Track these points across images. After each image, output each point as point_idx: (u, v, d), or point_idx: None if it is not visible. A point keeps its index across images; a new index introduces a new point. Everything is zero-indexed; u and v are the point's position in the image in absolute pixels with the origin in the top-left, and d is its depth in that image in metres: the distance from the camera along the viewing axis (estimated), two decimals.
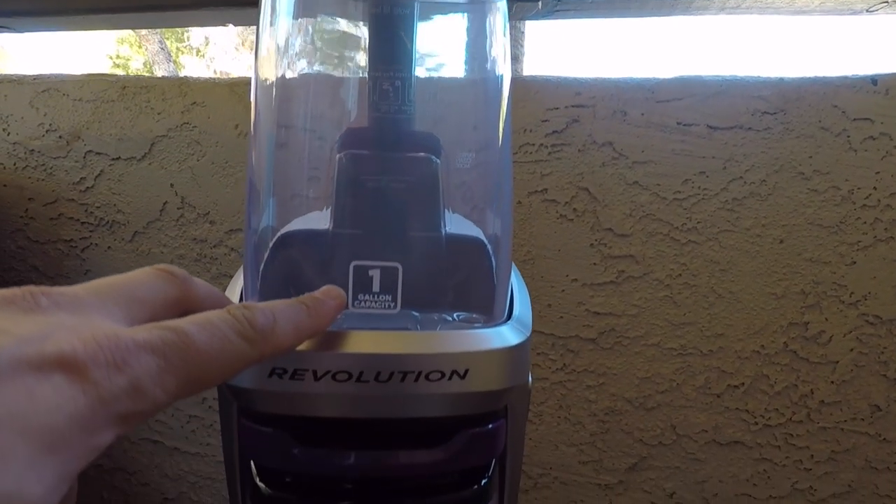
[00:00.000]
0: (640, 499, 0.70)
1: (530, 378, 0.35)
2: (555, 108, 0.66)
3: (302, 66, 0.35)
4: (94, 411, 0.14)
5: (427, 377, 0.24)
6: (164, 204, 0.77)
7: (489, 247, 0.32)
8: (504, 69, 0.33)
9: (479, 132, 0.35)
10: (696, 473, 0.68)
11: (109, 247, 0.79)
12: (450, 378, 0.24)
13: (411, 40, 0.34)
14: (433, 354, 0.24)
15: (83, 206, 0.79)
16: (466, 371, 0.24)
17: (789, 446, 0.66)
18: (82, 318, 0.16)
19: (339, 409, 0.24)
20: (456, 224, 0.33)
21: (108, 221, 0.79)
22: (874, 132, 0.61)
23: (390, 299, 0.26)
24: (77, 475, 0.15)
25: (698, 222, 0.65)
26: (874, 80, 0.62)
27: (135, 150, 0.77)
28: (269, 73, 0.33)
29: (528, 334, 0.29)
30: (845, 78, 0.62)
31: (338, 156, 0.33)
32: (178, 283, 0.20)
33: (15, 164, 0.80)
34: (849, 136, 0.61)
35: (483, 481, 0.29)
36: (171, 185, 0.76)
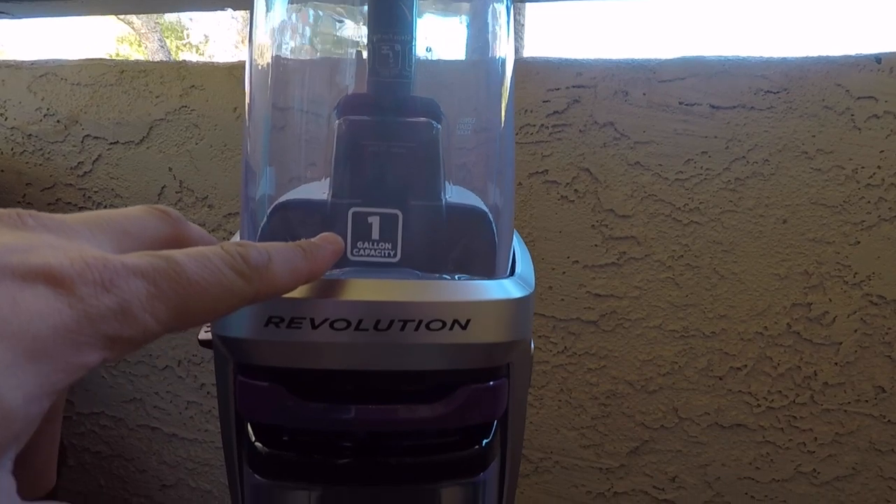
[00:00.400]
0: (641, 483, 0.69)
1: (532, 345, 0.35)
2: (556, 89, 0.66)
3: (298, 40, 0.35)
4: (80, 326, 0.13)
5: (428, 326, 0.23)
6: (163, 188, 0.76)
7: (490, 215, 0.32)
8: (507, 48, 0.33)
9: (481, 102, 0.35)
10: (699, 457, 0.67)
11: None
12: (451, 328, 0.23)
13: (410, 5, 0.33)
14: (434, 303, 0.23)
15: (81, 190, 0.79)
16: (468, 321, 0.24)
17: (792, 429, 0.65)
18: (70, 242, 0.15)
19: (337, 359, 0.23)
20: (457, 195, 0.33)
21: (106, 206, 0.78)
22: (878, 111, 0.60)
23: (390, 247, 0.25)
24: (61, 394, 0.14)
25: (700, 203, 0.64)
26: (878, 59, 0.61)
27: (133, 134, 0.76)
28: (266, 42, 0.33)
29: (531, 291, 0.29)
30: (849, 57, 0.62)
31: (336, 121, 0.33)
32: (171, 222, 0.20)
33: (12, 150, 0.80)
34: (853, 115, 0.61)
35: (484, 441, 0.28)
36: (170, 169, 0.76)
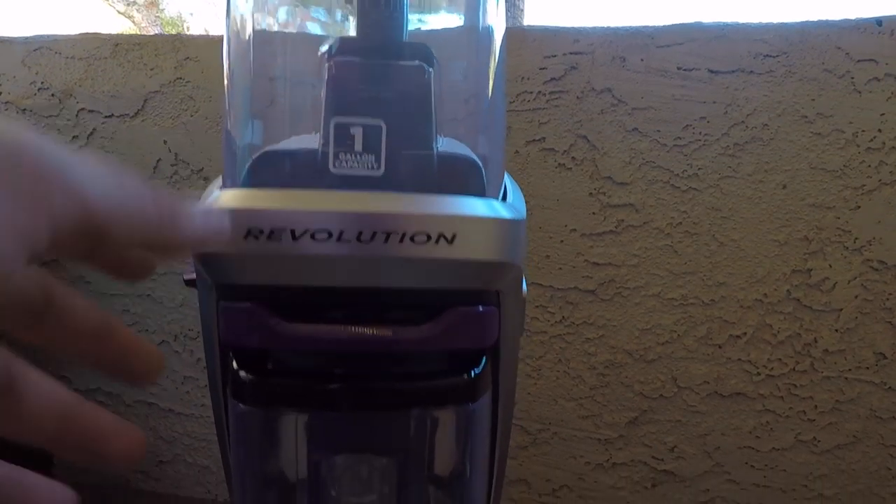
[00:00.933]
0: (640, 453, 0.69)
1: (525, 288, 0.35)
2: (552, 56, 0.65)
3: None
4: None
5: (412, 239, 0.22)
6: (158, 161, 0.76)
7: (480, 162, 0.32)
8: (498, 10, 0.33)
9: (475, 60, 0.35)
10: (698, 426, 0.67)
11: None
12: (436, 241, 0.23)
13: None
14: (419, 215, 0.23)
15: None
16: (454, 236, 0.23)
17: (792, 397, 0.64)
18: None
19: (318, 274, 0.23)
20: (448, 145, 0.32)
21: None
22: (879, 73, 0.60)
23: (373, 160, 0.25)
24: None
25: (699, 169, 0.63)
26: (879, 22, 0.60)
27: (128, 107, 0.76)
28: None
29: (522, 217, 0.28)
30: (849, 20, 0.61)
31: (327, 64, 0.32)
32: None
33: None
34: (853, 78, 0.60)
35: (474, 372, 0.28)
36: (165, 142, 0.75)
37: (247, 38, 0.32)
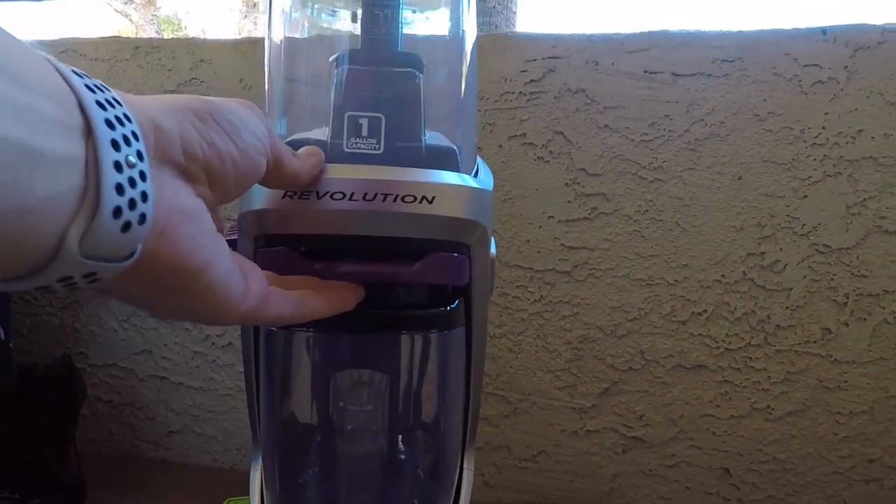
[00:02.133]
0: (612, 421, 0.75)
1: (494, 249, 0.41)
2: (532, 60, 0.72)
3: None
4: None
5: (402, 199, 0.30)
6: None
7: (455, 148, 0.39)
8: (469, 23, 0.40)
9: (451, 65, 0.42)
10: (664, 396, 0.73)
11: None
12: (420, 202, 0.30)
13: None
14: (408, 182, 0.30)
15: None
16: (433, 198, 0.30)
17: (748, 368, 0.71)
18: None
19: (335, 224, 0.30)
20: (431, 137, 0.39)
21: None
22: (823, 76, 0.67)
23: (375, 142, 0.32)
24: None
25: (664, 162, 0.70)
26: (824, 31, 0.67)
27: None
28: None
29: (487, 189, 0.35)
30: (798, 29, 0.68)
31: (336, 71, 0.39)
32: None
33: None
34: (800, 81, 0.67)
35: (449, 307, 0.35)
36: None
37: (280, 49, 0.40)
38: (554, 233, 0.73)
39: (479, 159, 0.41)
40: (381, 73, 0.39)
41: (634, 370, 0.74)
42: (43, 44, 0.85)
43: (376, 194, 0.30)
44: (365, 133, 0.32)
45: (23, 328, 0.89)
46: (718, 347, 0.71)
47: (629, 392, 0.74)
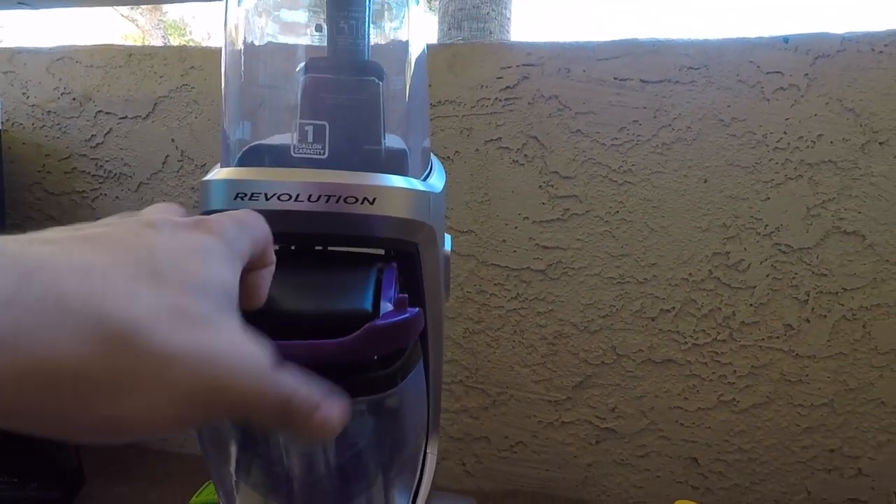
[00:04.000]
0: (585, 413, 0.78)
1: (449, 243, 0.44)
2: (508, 67, 0.75)
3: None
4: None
5: (345, 200, 0.33)
6: (166, 157, 0.86)
7: (407, 150, 0.41)
8: (415, 33, 0.43)
9: (396, 73, 0.45)
10: (635, 389, 0.77)
11: (117, 197, 0.88)
12: (361, 203, 0.33)
13: None
14: (347, 184, 0.33)
15: (94, 160, 0.88)
16: (374, 199, 0.33)
17: (715, 363, 0.74)
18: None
19: (282, 224, 0.33)
20: (392, 141, 0.42)
21: (115, 174, 0.88)
22: (784, 83, 0.70)
23: (321, 148, 0.35)
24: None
25: (633, 165, 0.73)
26: (786, 40, 0.70)
27: (140, 110, 0.86)
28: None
29: (434, 190, 0.38)
30: (761, 38, 0.71)
31: (301, 78, 0.42)
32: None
33: (33, 124, 0.90)
34: (762, 88, 0.70)
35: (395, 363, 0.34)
36: (172, 140, 0.85)
37: (238, 53, 0.43)
38: (529, 233, 0.77)
39: (435, 161, 0.44)
40: (340, 82, 0.42)
41: (607, 364, 0.77)
42: (40, 51, 0.89)
43: (319, 196, 0.32)
44: (310, 139, 0.35)
45: None
46: (686, 343, 0.75)
47: (602, 385, 0.77)
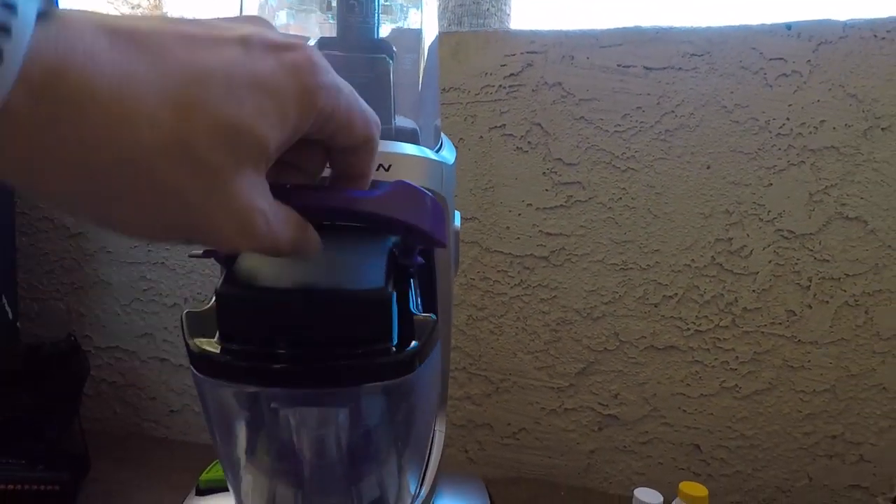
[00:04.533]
0: (588, 400, 0.79)
1: (458, 219, 0.45)
2: (512, 55, 0.76)
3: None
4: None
5: None
6: None
7: (417, 127, 0.42)
8: (427, 20, 0.44)
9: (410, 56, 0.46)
10: (637, 376, 0.77)
11: None
12: (377, 169, 0.33)
13: None
14: None
15: None
16: (390, 166, 0.34)
17: (717, 349, 0.74)
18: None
19: None
20: (400, 121, 0.43)
21: None
22: (787, 70, 0.70)
23: None
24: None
25: (636, 151, 0.74)
26: (788, 26, 0.71)
27: None
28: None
29: (443, 161, 0.39)
30: (763, 25, 0.71)
31: None
32: None
33: None
34: (765, 74, 0.70)
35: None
36: None
37: None
38: (532, 220, 0.77)
39: (445, 139, 0.45)
40: (351, 60, 0.42)
41: (609, 351, 0.77)
42: None
43: None
44: None
45: (30, 313, 0.93)
46: (689, 329, 0.75)
47: (604, 372, 0.78)
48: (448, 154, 0.41)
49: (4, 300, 0.72)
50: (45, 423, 0.65)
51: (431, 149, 0.40)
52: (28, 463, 0.58)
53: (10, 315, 0.69)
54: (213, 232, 0.20)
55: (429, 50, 0.42)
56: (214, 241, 0.21)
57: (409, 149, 0.35)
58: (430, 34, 0.42)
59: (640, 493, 0.54)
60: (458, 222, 0.44)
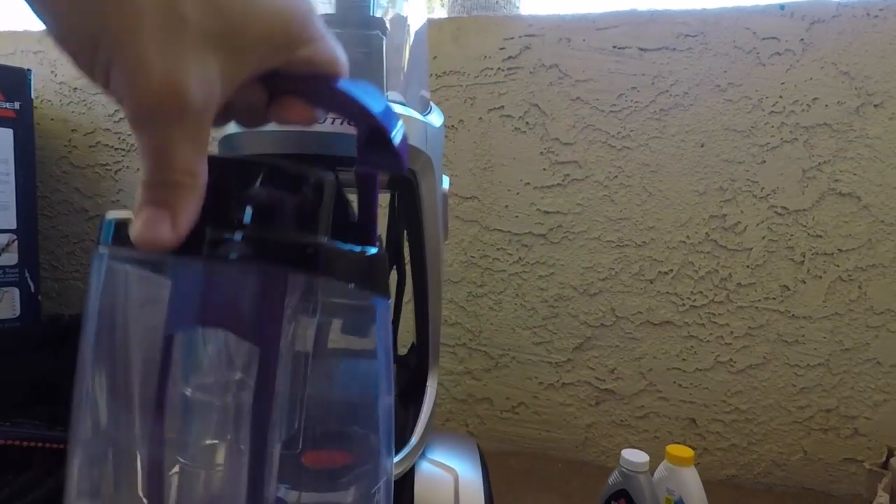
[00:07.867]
0: (585, 374, 0.80)
1: (447, 183, 0.47)
2: (510, 38, 0.78)
3: None
4: None
5: (350, 123, 0.36)
6: None
7: (404, 100, 0.44)
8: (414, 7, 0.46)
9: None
10: (634, 351, 0.79)
11: (139, 168, 0.93)
12: None
13: None
14: None
15: (117, 134, 0.93)
16: None
17: (712, 324, 0.76)
18: None
19: (288, 144, 0.36)
20: (391, 95, 0.45)
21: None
22: (780, 49, 0.71)
23: None
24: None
25: (631, 131, 0.75)
26: (782, 6, 0.72)
27: None
28: None
29: (433, 125, 0.41)
30: (757, 6, 0.73)
31: None
32: None
33: (61, 101, 0.95)
34: (758, 53, 0.72)
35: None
36: None
37: None
38: (530, 198, 0.79)
39: (435, 108, 0.47)
40: (346, 35, 0.45)
41: (606, 326, 0.79)
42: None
43: (333, 119, 0.36)
44: None
45: (51, 292, 0.97)
46: (684, 304, 0.76)
47: (601, 347, 0.79)
48: (435, 119, 0.43)
49: (28, 273, 0.76)
50: (65, 388, 0.68)
51: (420, 111, 0.42)
52: (49, 423, 0.61)
53: (33, 288, 0.73)
54: (126, 45, 0.18)
55: (416, 32, 0.45)
56: (124, 60, 0.19)
57: (394, 107, 0.38)
58: (417, 19, 0.45)
59: (627, 452, 0.56)
60: (446, 185, 0.46)
